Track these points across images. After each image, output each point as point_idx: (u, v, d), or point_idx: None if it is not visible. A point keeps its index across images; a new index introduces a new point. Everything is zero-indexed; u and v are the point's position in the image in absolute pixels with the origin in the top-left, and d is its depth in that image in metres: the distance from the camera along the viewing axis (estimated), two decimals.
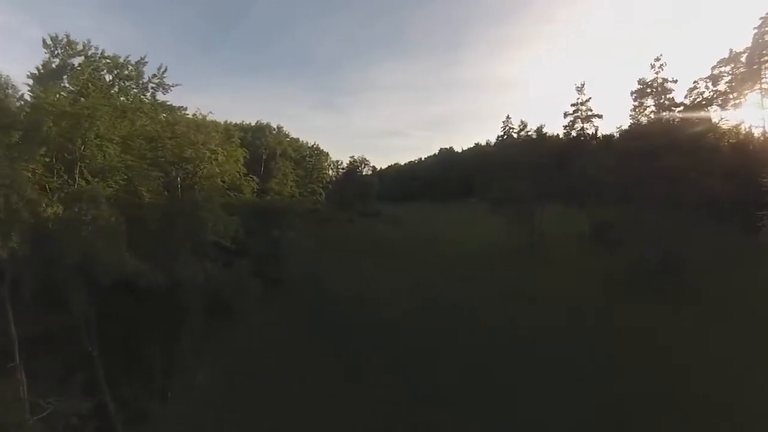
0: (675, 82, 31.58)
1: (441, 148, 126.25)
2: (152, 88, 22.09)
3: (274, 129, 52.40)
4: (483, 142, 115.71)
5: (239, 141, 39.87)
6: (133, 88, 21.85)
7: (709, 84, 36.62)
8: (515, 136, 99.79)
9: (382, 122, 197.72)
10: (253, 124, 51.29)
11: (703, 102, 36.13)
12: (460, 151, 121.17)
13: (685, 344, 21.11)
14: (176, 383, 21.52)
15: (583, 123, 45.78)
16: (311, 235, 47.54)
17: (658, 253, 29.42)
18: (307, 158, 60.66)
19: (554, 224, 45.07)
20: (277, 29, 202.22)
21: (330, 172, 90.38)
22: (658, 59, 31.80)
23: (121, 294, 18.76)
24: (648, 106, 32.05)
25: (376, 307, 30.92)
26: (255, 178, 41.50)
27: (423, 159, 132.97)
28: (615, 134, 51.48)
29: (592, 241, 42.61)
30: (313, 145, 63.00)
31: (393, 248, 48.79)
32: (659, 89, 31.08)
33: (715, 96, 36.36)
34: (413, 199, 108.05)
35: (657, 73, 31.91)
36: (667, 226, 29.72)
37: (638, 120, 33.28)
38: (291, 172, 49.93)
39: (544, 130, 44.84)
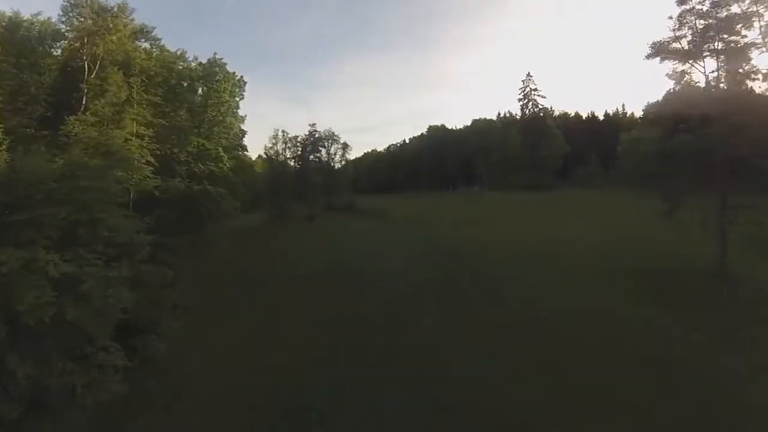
0: None
1: (430, 126, 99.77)
2: None
3: (112, 8, 21.14)
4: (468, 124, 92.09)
5: None
6: None
7: None
8: (539, 98, 75.48)
9: (354, 118, 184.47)
10: None
11: None
12: (455, 129, 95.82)
13: None
14: None
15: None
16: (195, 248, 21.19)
17: None
18: (196, 83, 27.08)
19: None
20: (248, 23, 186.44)
21: (287, 153, 62.70)
22: None
23: None
24: None
25: None
26: None
27: (407, 141, 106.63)
28: None
29: None
30: (211, 60, 27.79)
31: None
32: None
33: None
34: (395, 190, 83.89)
35: None
36: None
37: None
38: (142, 102, 18.81)
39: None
